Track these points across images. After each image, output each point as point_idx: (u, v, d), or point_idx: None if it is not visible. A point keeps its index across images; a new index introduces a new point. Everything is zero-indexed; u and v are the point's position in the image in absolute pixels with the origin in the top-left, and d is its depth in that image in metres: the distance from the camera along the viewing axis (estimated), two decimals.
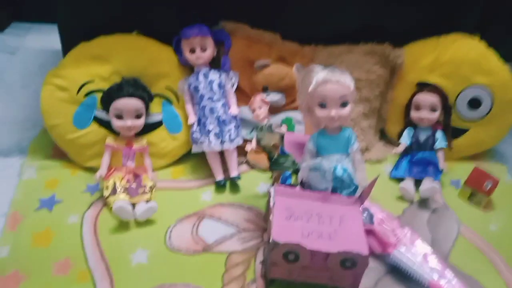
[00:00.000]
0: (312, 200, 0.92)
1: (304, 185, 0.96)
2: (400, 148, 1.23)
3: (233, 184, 1.15)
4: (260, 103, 1.04)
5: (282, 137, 1.03)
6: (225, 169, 1.16)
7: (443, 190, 1.20)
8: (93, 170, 1.11)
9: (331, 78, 0.90)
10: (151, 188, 1.09)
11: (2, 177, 1.11)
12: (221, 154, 1.16)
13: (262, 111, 1.03)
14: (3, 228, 0.98)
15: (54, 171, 1.14)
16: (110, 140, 1.09)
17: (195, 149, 1.15)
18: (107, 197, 1.03)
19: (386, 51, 1.25)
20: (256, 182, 1.18)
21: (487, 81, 1.22)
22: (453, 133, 1.26)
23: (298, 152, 1.03)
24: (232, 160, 1.15)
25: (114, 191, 1.03)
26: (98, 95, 1.11)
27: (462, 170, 1.24)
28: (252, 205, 1.10)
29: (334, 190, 0.93)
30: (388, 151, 1.32)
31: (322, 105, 0.92)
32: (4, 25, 1.83)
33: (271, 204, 0.92)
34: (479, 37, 1.26)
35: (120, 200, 1.00)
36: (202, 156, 1.16)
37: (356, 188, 0.94)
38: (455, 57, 1.23)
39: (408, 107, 1.27)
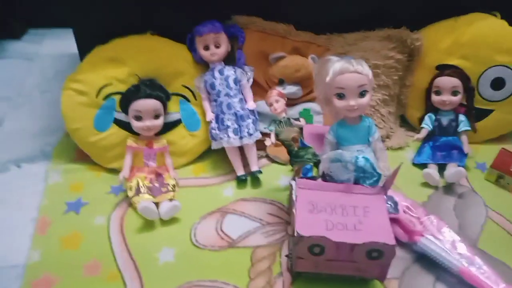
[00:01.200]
0: (334, 191, 0.91)
1: (326, 177, 0.95)
2: (422, 134, 1.21)
3: (254, 178, 1.15)
4: (276, 97, 1.03)
5: (301, 129, 1.02)
6: (246, 164, 1.16)
7: (468, 174, 1.18)
8: (116, 171, 1.13)
9: (349, 68, 0.89)
10: (174, 187, 1.10)
11: (29, 183, 1.14)
12: (241, 149, 1.16)
13: (279, 105, 1.03)
14: (33, 233, 1.00)
15: (79, 174, 1.16)
16: (131, 141, 1.10)
17: (214, 145, 1.15)
18: (132, 197, 1.05)
19: (403, 36, 1.22)
20: (277, 175, 1.18)
21: (509, 60, 1.19)
22: (476, 115, 1.24)
23: (318, 143, 1.02)
24: (252, 154, 1.15)
25: (138, 191, 1.04)
26: (117, 97, 1.12)
27: (487, 153, 1.22)
28: (274, 198, 1.10)
29: (356, 181, 0.92)
30: (409, 137, 1.31)
31: (341, 96, 0.91)
32: (20, 32, 1.87)
33: (294, 197, 0.92)
34: (499, 16, 1.22)
35: (145, 200, 1.01)
36: (222, 152, 1.16)
37: (379, 177, 0.93)
38: (475, 38, 1.20)
39: (428, 91, 1.25)
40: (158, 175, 1.10)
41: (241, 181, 1.14)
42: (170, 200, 1.05)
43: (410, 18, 1.24)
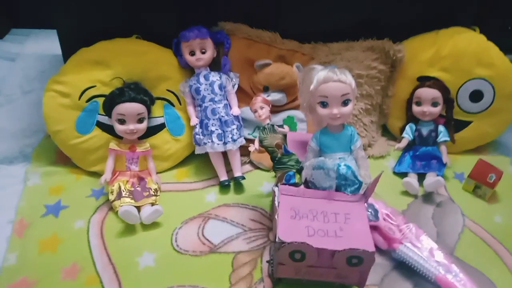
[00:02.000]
0: (316, 198, 0.92)
1: (308, 183, 0.96)
2: (403, 143, 1.23)
3: (237, 184, 1.15)
4: (261, 104, 1.04)
5: (285, 136, 1.03)
6: (229, 169, 1.17)
7: (447, 184, 1.20)
8: (97, 174, 1.12)
9: (332, 77, 0.90)
10: (156, 191, 1.09)
11: (7, 184, 1.12)
12: (224, 154, 1.16)
13: (264, 112, 1.03)
14: (10, 235, 0.98)
15: (59, 176, 1.15)
16: (113, 144, 1.09)
17: (198, 150, 1.15)
18: (113, 201, 1.04)
19: (386, 46, 1.25)
20: (260, 181, 1.19)
21: (488, 73, 1.22)
22: (455, 126, 1.26)
23: (301, 151, 1.03)
24: (236, 160, 1.16)
25: (119, 195, 1.03)
26: (100, 100, 1.11)
27: (465, 163, 1.25)
28: (257, 204, 1.11)
29: (338, 188, 0.93)
30: (390, 146, 1.33)
31: (324, 104, 0.92)
32: (3, 32, 1.84)
33: (276, 203, 0.92)
34: (478, 30, 1.26)
35: (126, 204, 1.01)
36: (205, 157, 1.16)
37: (360, 185, 0.94)
38: (455, 50, 1.23)
39: (409, 101, 1.27)
40: (141, 179, 1.10)
41: (224, 187, 1.14)
42: (152, 204, 1.05)
43: (393, 30, 1.26)
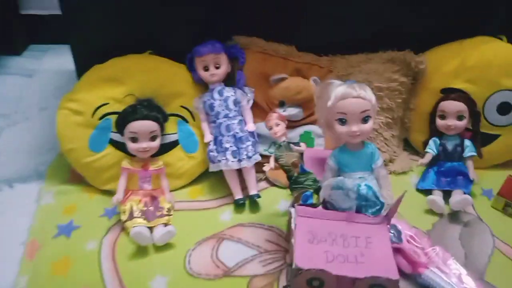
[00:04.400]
0: (335, 220, 0.88)
1: (326, 204, 0.91)
2: (427, 159, 1.17)
3: (253, 202, 1.12)
4: (277, 120, 1.00)
5: (301, 154, 0.99)
6: (244, 187, 1.13)
7: (474, 202, 1.14)
8: (110, 193, 1.10)
9: (351, 93, 0.86)
10: (169, 210, 1.06)
11: (21, 204, 1.11)
12: (239, 172, 1.13)
13: (280, 129, 1.00)
14: (21, 257, 0.96)
15: (72, 195, 1.13)
16: (126, 163, 1.07)
17: (212, 168, 1.12)
18: (125, 221, 1.01)
19: (407, 58, 1.20)
20: (276, 199, 1.15)
21: None
22: (482, 140, 1.20)
23: (319, 169, 0.99)
24: (251, 177, 1.12)
25: (131, 216, 1.01)
26: (113, 118, 1.09)
27: (494, 179, 1.18)
28: (273, 224, 1.07)
29: (358, 209, 0.89)
30: (413, 161, 1.27)
31: (342, 121, 0.88)
32: (21, 48, 1.86)
33: (293, 226, 0.88)
34: (505, 39, 1.20)
35: (138, 225, 0.98)
36: (219, 174, 1.13)
37: (382, 206, 0.89)
38: (482, 61, 1.17)
39: (432, 115, 1.22)
40: (153, 198, 1.07)
41: (239, 205, 1.11)
42: (165, 224, 1.02)
43: (414, 40, 1.22)
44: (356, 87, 0.87)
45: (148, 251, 0.99)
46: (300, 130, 1.21)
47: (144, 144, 1.05)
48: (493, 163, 1.25)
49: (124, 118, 1.06)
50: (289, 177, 0.98)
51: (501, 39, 1.21)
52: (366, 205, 0.88)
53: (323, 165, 0.98)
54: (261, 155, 1.13)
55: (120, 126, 1.06)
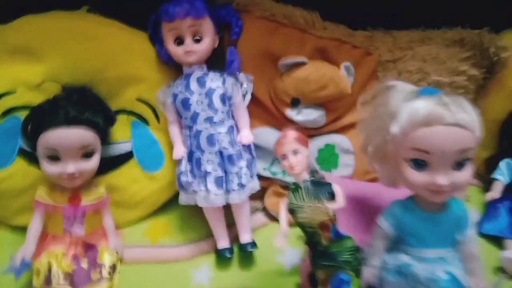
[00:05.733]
0: None
1: None
2: (497, 190, 0.89)
3: (245, 254, 0.81)
4: (295, 144, 0.61)
5: (333, 212, 0.60)
6: (231, 225, 0.82)
7: None
8: (24, 230, 0.75)
9: (443, 116, 0.53)
10: (113, 268, 0.75)
11: None
12: (226, 206, 0.81)
13: (299, 159, 0.60)
14: None
15: None
16: (42, 192, 0.73)
17: (183, 199, 0.82)
18: None
19: (484, 40, 0.91)
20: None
21: None
22: None
23: (359, 223, 0.63)
24: (243, 216, 0.81)
25: (48, 281, 0.69)
26: (23, 115, 0.76)
27: None
28: None
29: None
30: (471, 186, 0.98)
31: (420, 164, 0.54)
32: None
33: None
34: None
35: None
36: (195, 206, 0.82)
37: None
38: None
39: (506, 125, 0.96)
40: (88, 248, 0.75)
41: (223, 258, 0.80)
42: None
43: (494, 15, 0.92)
44: (450, 105, 0.53)
45: None
46: (319, 142, 0.90)
47: (71, 167, 0.69)
48: None
49: (38, 121, 0.71)
50: (311, 244, 0.60)
51: None
52: None
53: (358, 208, 0.67)
54: (260, 177, 0.85)
55: (31, 134, 0.72)
